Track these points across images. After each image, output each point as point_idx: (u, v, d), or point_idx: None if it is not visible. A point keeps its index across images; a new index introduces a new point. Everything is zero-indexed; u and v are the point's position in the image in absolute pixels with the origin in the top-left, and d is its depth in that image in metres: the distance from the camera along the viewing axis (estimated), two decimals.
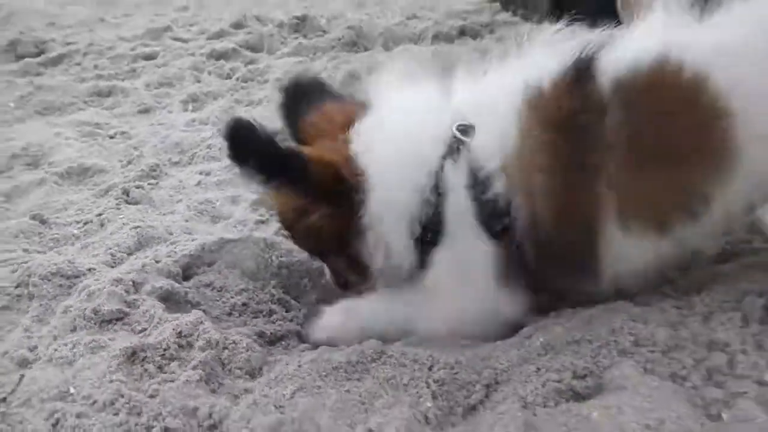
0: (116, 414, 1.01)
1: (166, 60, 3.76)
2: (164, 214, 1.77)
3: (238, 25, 4.42)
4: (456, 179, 1.14)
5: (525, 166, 1.11)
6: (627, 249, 1.12)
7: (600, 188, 1.08)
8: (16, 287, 1.41)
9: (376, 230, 1.16)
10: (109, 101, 3.09)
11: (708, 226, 1.12)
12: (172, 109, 2.91)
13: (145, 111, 2.92)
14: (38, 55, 3.98)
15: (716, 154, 1.05)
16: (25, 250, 1.58)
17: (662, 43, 1.06)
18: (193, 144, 2.33)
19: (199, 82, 3.35)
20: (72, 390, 1.06)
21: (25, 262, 1.48)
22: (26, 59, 3.86)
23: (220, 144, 2.24)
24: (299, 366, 1.12)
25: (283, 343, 1.32)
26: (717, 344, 1.02)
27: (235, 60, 3.69)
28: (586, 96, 1.07)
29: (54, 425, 0.98)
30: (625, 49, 1.08)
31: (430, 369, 1.09)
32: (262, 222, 1.65)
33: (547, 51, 1.15)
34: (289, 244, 1.51)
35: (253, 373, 1.15)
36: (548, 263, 1.16)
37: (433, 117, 1.19)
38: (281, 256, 1.52)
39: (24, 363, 1.17)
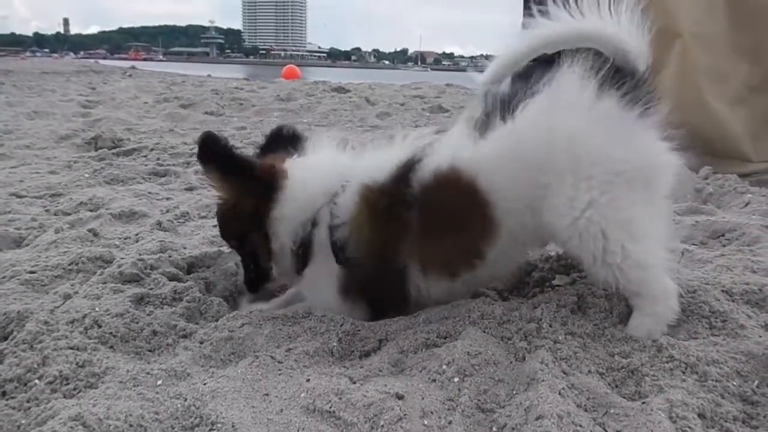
0: (123, 318, 1.50)
1: None
2: (185, 239, 2.31)
3: None
4: (324, 219, 1.60)
5: (359, 226, 1.56)
6: (428, 287, 1.58)
7: (404, 251, 1.54)
8: (69, 264, 1.94)
9: (277, 222, 1.61)
10: (162, 180, 3.69)
11: (485, 272, 1.58)
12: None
13: (190, 189, 3.47)
14: (113, 148, 4.62)
15: (485, 226, 1.48)
16: (79, 248, 2.13)
17: (450, 157, 1.48)
18: None
19: None
20: (96, 309, 1.55)
21: (78, 253, 2.02)
22: (103, 149, 4.53)
23: None
24: (250, 313, 1.60)
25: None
26: (533, 319, 1.46)
27: None
28: (402, 193, 1.50)
29: (83, 318, 1.47)
30: (429, 162, 1.50)
31: (341, 325, 1.54)
32: None
33: (385, 155, 1.60)
34: None
35: (217, 318, 1.62)
36: (371, 289, 1.61)
37: (334, 173, 1.64)
38: None
39: (67, 297, 1.68)
